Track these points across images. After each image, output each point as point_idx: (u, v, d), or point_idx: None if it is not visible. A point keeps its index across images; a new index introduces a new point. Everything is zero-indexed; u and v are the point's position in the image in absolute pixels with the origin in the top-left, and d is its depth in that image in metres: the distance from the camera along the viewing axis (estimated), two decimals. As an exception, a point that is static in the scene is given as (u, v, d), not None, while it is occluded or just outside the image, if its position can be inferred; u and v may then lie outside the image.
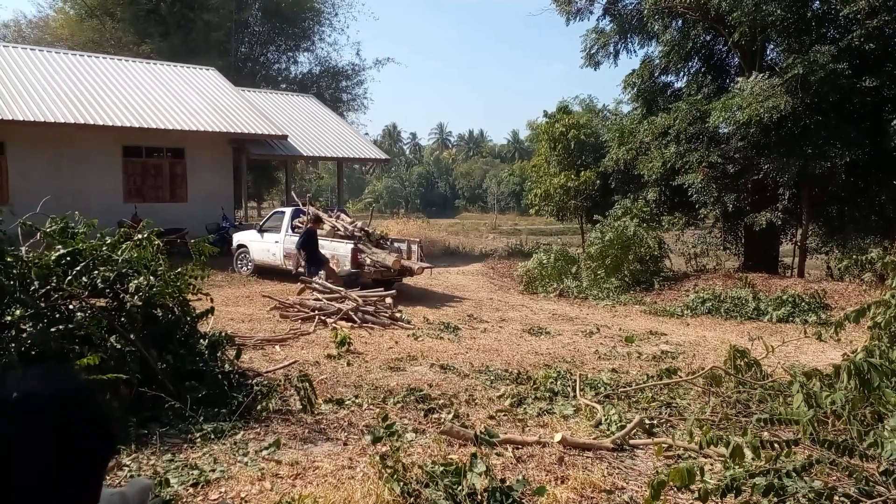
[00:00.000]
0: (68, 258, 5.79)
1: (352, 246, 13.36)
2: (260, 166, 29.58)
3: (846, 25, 15.01)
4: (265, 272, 15.61)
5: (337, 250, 13.61)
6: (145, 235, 5.96)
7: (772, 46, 17.54)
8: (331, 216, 15.11)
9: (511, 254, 23.74)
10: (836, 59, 14.03)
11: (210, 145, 20.07)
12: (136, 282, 5.63)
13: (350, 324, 10.37)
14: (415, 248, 14.46)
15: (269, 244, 15.38)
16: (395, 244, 14.61)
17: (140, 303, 5.60)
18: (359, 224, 14.79)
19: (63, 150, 17.58)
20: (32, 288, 5.48)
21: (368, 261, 13.22)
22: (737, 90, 15.35)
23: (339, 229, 14.19)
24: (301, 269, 13.00)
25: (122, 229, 6.22)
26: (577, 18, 20.83)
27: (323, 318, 10.54)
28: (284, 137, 20.79)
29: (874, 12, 13.95)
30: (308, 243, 12.90)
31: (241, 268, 16.14)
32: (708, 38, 18.86)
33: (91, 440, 0.98)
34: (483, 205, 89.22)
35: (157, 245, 5.87)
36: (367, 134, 38.31)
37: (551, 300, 15.03)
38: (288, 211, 15.45)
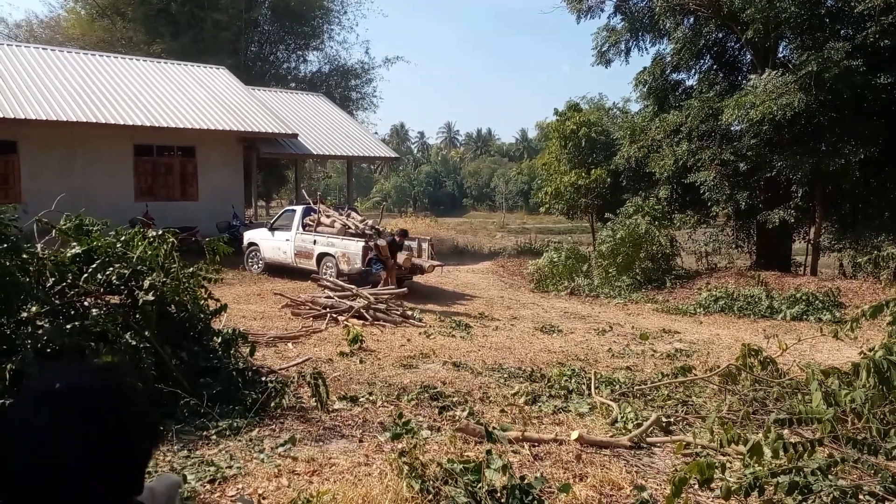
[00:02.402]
0: (83, 255, 5.80)
1: (362, 244, 13.35)
2: (270, 165, 29.62)
3: (860, 22, 14.87)
4: (276, 270, 15.63)
5: (347, 248, 13.61)
6: (159, 233, 5.95)
7: (785, 43, 17.41)
8: (341, 214, 15.12)
9: (520, 252, 23.72)
10: (850, 55, 13.91)
11: (221, 144, 20.11)
12: (149, 279, 5.63)
13: (362, 321, 10.36)
14: (425, 246, 14.43)
15: (280, 242, 15.39)
16: (406, 242, 14.57)
17: (153, 299, 5.60)
18: (369, 222, 14.79)
19: (75, 149, 17.66)
20: (48, 285, 5.50)
21: (379, 259, 13.18)
22: (750, 87, 15.25)
23: (349, 227, 14.18)
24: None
25: (137, 228, 6.23)
26: (588, 16, 20.80)
27: (335, 315, 10.54)
28: (294, 136, 20.81)
29: (889, 8, 13.81)
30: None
31: (252, 266, 16.17)
32: (720, 35, 18.74)
33: (135, 432, 0.97)
34: (491, 204, 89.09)
35: (172, 243, 5.86)
36: (376, 133, 38.29)
37: (562, 298, 14.98)
38: (299, 209, 15.45)
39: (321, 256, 14.27)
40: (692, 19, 18.63)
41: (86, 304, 5.57)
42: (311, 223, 14.84)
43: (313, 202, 15.92)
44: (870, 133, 14.48)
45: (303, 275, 14.67)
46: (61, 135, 17.30)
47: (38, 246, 5.97)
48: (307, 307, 11.03)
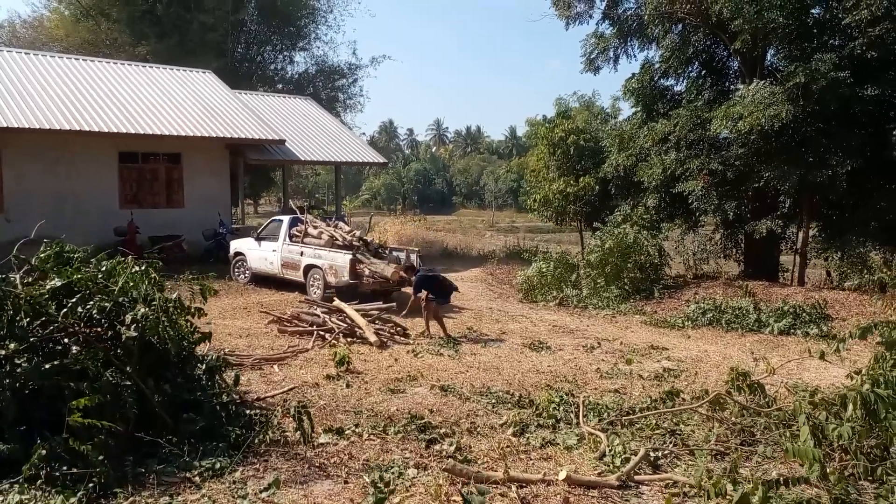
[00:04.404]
0: (63, 288, 5.69)
1: (350, 256, 13.23)
2: (257, 167, 29.42)
3: (848, 33, 14.88)
4: (263, 281, 15.50)
5: (335, 261, 13.49)
6: (143, 267, 5.84)
7: (772, 52, 17.42)
8: (329, 225, 15.01)
9: (510, 256, 23.59)
10: (838, 67, 13.92)
11: (207, 150, 19.92)
12: (131, 314, 5.52)
13: (349, 339, 10.28)
14: (413, 257, 14.32)
15: (266, 253, 15.26)
16: (394, 253, 14.49)
17: (136, 334, 5.49)
18: (357, 233, 14.69)
19: (58, 157, 17.41)
20: (26, 321, 5.38)
21: (367, 272, 13.06)
22: (738, 98, 15.25)
23: (337, 239, 14.06)
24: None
25: (118, 258, 6.12)
26: (577, 23, 20.73)
27: (322, 332, 10.45)
28: (282, 142, 20.64)
29: (876, 20, 13.83)
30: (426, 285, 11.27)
31: (239, 276, 16.04)
32: (708, 42, 18.73)
33: None
34: (480, 202, 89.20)
35: (154, 278, 5.75)
36: (363, 134, 38.31)
37: (551, 309, 14.94)
38: (285, 220, 15.31)
39: (308, 268, 14.14)
40: (680, 27, 18.61)
41: (65, 341, 5.45)
42: (298, 234, 14.71)
43: (300, 211, 15.79)
44: (857, 144, 14.52)
45: (290, 286, 14.57)
46: (44, 142, 17.04)
47: (17, 276, 5.85)
48: (293, 324, 10.93)
